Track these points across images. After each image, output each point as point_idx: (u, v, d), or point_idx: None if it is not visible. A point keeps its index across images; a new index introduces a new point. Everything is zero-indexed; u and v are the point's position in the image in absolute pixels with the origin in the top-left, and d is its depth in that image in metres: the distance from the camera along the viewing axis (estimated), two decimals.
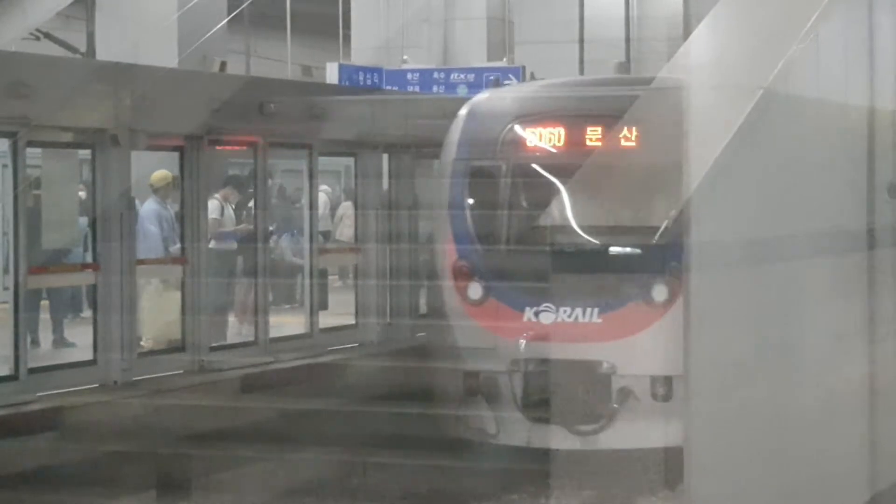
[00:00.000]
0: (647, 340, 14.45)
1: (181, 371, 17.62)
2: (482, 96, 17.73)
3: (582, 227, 15.43)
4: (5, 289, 17.51)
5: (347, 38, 27.95)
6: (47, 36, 19.28)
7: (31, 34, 19.53)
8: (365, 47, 26.95)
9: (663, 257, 14.48)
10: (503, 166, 15.65)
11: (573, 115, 15.81)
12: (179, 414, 16.06)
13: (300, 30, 27.19)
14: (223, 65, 22.03)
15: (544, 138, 15.70)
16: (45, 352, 19.26)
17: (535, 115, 15.89)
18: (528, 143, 15.91)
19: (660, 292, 14.56)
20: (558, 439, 14.42)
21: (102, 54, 19.26)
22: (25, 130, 15.04)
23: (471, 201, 15.72)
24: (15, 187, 15.47)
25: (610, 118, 15.16)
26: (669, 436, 13.57)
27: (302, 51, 29.69)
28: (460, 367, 15.02)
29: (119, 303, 16.52)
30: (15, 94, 14.63)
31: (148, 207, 19.32)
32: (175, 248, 18.85)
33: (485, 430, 14.84)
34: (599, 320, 14.47)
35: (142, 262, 17.74)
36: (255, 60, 23.61)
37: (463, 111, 16.46)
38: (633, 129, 14.78)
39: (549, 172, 16.00)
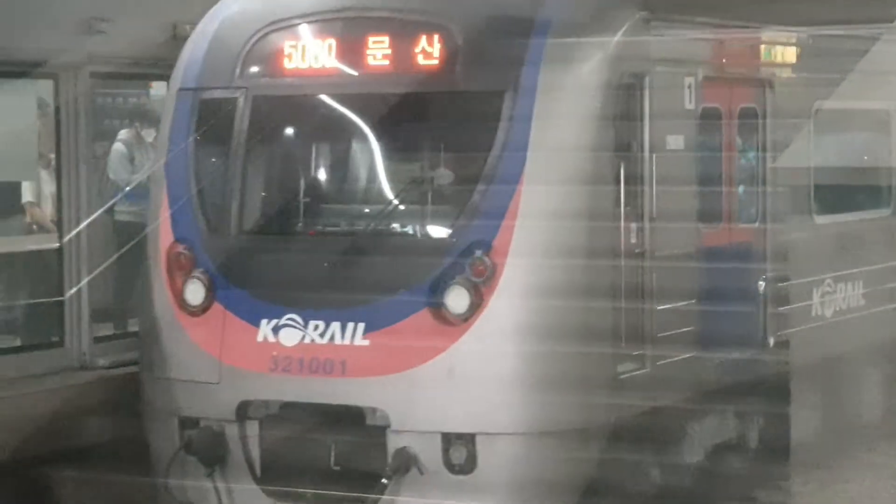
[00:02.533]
0: (437, 376, 8.74)
1: None
2: None
3: (348, 197, 10.23)
4: None
5: None
6: None
7: None
8: None
9: (465, 243, 8.99)
10: (241, 100, 9.83)
11: (354, 18, 9.74)
12: None
13: None
14: None
15: (307, 55, 9.58)
16: None
17: (297, 20, 9.88)
18: (284, 64, 9.84)
19: (457, 299, 8.66)
20: None
21: None
22: None
23: (197, 154, 9.92)
24: None
25: (413, 22, 9.43)
26: None
27: None
28: (174, 412, 9.62)
29: None
30: None
31: None
32: None
33: None
34: (366, 342, 8.86)
35: None
36: None
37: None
38: (437, 38, 9.18)
39: (311, 109, 10.17)
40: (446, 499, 9.18)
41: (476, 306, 8.86)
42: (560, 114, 9.38)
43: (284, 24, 10.08)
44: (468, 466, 8.92)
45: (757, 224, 11.95)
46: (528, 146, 9.15)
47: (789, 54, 12.61)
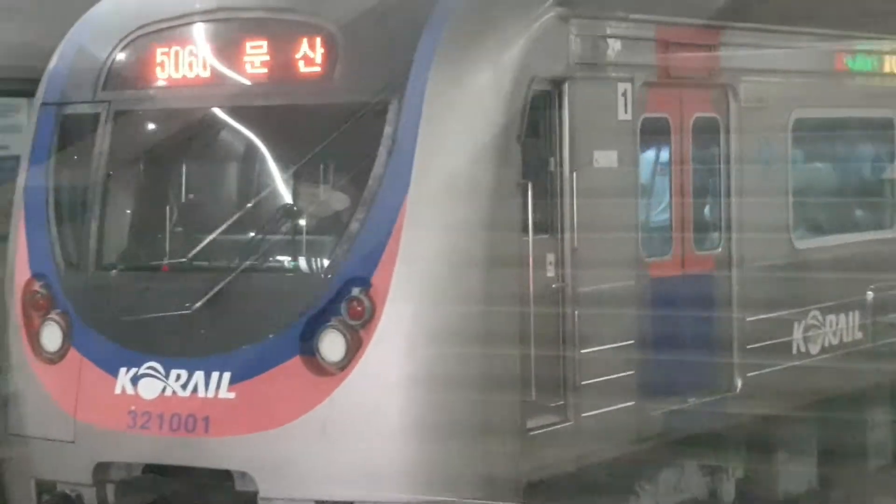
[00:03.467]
0: (310, 433, 7.74)
1: None
2: None
3: (216, 227, 8.62)
4: None
5: None
6: None
7: None
8: None
9: (341, 280, 7.96)
10: (103, 115, 8.95)
11: (228, 20, 8.83)
12: None
13: None
14: None
15: (176, 63, 8.62)
16: None
17: (165, 23, 8.94)
18: (150, 74, 8.95)
19: (331, 345, 8.66)
20: None
21: None
22: None
23: (57, 177, 9.08)
24: None
25: (292, 23, 8.42)
26: None
27: None
28: (31, 473, 8.72)
29: None
30: None
31: None
32: None
33: None
34: (231, 395, 7.89)
35: None
36: None
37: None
38: (318, 42, 8.17)
39: (179, 125, 9.09)
40: None
41: (353, 353, 7.92)
42: (453, 128, 8.31)
43: (151, 29, 9.15)
44: None
45: (720, 251, 10.77)
46: (412, 167, 8.14)
47: (759, 55, 11.24)
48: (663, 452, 10.20)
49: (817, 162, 12.60)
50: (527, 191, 8.65)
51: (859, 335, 12.66)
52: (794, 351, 11.50)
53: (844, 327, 12.47)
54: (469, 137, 8.44)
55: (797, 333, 11.42)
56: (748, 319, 10.90)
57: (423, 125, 8.21)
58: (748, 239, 10.95)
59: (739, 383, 10.71)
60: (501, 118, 8.49)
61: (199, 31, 9.18)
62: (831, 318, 11.92)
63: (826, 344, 11.87)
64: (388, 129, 8.23)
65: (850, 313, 12.54)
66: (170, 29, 9.27)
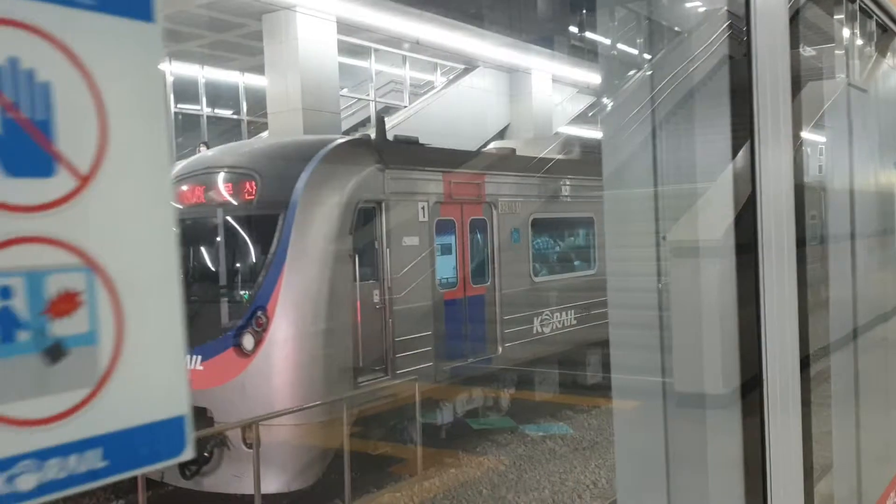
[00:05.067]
0: (237, 388, 13.00)
1: None
2: None
3: (198, 276, 14.56)
4: None
5: None
6: None
7: None
8: None
9: (254, 307, 12.76)
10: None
11: (213, 172, 14.48)
12: None
13: None
14: None
15: (189, 193, 14.23)
16: None
17: (187, 174, 14.26)
18: (178, 199, 13.22)
19: (248, 341, 13.06)
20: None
21: None
22: None
23: None
24: None
25: (240, 173, 13.91)
26: None
27: None
28: None
29: None
30: None
31: None
32: None
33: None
34: (202, 367, 13.10)
35: None
36: None
37: None
38: (252, 183, 13.40)
39: (189, 224, 14.53)
40: (242, 459, 11.12)
41: (258, 345, 11.05)
42: (312, 227, 11.17)
43: (179, 177, 12.26)
44: (254, 442, 10.75)
45: (489, 283, 13.45)
46: (288, 248, 10.71)
47: (508, 188, 14.46)
48: (456, 386, 12.54)
49: (547, 238, 15.22)
50: (355, 259, 10.55)
51: (573, 321, 15.53)
52: (535, 331, 14.07)
53: (563, 318, 15.26)
54: (321, 232, 10.60)
55: (536, 322, 14.10)
56: (505, 317, 12.97)
57: (294, 226, 10.37)
58: (504, 276, 13.13)
59: (501, 349, 13.04)
60: (339, 222, 10.58)
61: (199, 178, 12.02)
62: (556, 314, 15.03)
63: (554, 327, 14.98)
64: (278, 227, 10.47)
65: (566, 311, 15.18)
66: (187, 177, 11.97)
